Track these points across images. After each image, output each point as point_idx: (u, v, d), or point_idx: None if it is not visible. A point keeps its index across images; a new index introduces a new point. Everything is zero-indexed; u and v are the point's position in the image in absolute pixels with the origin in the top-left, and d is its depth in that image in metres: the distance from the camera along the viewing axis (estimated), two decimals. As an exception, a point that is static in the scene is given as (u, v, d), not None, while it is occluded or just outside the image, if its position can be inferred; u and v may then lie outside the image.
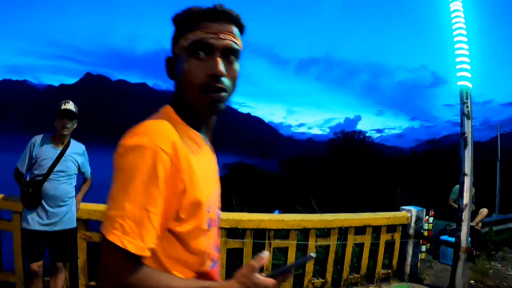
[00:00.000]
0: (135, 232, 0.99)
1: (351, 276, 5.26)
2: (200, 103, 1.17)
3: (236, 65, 1.21)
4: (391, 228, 5.50)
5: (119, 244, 0.98)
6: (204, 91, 1.14)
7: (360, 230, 5.19)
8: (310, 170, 49.82)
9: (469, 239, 6.40)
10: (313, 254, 1.28)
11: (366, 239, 5.17)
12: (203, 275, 1.22)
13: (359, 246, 5.33)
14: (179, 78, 1.20)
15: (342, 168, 36.65)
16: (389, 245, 5.58)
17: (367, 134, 52.09)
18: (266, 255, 1.14)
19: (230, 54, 1.18)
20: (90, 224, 4.26)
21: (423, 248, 7.01)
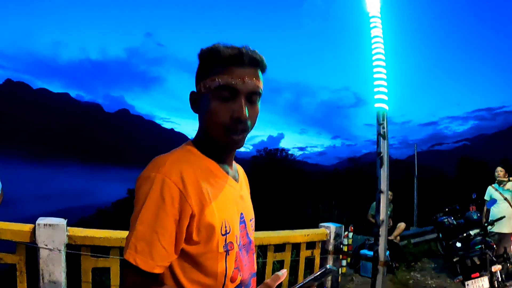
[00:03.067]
0: (146, 251, 1.14)
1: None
2: (223, 142, 1.28)
3: (257, 107, 1.31)
4: (310, 245, 5.60)
5: (132, 261, 1.14)
6: (228, 132, 1.25)
7: (280, 247, 5.24)
8: (231, 188, 48.85)
9: (388, 252, 6.66)
10: (328, 266, 1.30)
11: (286, 256, 5.22)
12: None
13: (279, 263, 5.38)
14: (204, 116, 1.30)
15: (264, 185, 36.86)
16: (310, 261, 5.68)
17: (289, 152, 52.63)
18: (282, 273, 1.22)
19: (253, 97, 1.27)
20: (0, 244, 4.01)
21: (344, 262, 7.22)
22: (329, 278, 5.79)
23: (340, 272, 6.31)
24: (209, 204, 1.23)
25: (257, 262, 5.10)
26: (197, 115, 1.36)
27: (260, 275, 5.19)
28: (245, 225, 1.41)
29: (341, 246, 6.06)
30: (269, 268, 5.07)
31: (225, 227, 1.27)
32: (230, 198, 1.34)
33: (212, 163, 1.33)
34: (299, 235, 5.37)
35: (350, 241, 7.75)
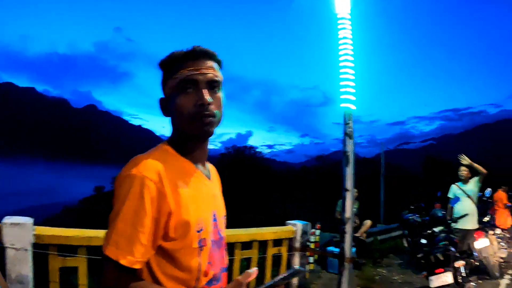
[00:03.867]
0: (126, 247, 1.19)
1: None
2: (193, 130, 1.35)
3: (220, 94, 1.41)
4: (277, 242, 5.66)
5: (113, 257, 1.19)
6: (195, 119, 1.33)
7: (247, 244, 5.28)
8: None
9: (354, 249, 6.77)
10: (296, 267, 1.36)
11: (254, 253, 5.27)
12: None
13: (246, 261, 5.42)
14: (173, 114, 1.40)
15: (232, 182, 36.78)
16: (277, 258, 5.74)
17: (258, 150, 52.69)
18: (253, 271, 1.28)
19: (213, 85, 1.38)
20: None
21: (311, 259, 7.30)
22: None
23: (307, 269, 6.38)
24: (185, 202, 1.30)
25: (225, 259, 5.11)
26: (169, 119, 1.44)
27: (228, 272, 5.22)
28: (217, 222, 1.47)
29: (308, 243, 6.14)
30: (236, 265, 5.10)
31: (199, 224, 1.34)
32: (204, 197, 1.42)
33: (187, 163, 1.40)
34: (267, 232, 5.43)
35: (318, 238, 7.82)
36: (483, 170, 7.25)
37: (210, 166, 1.60)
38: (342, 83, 5.44)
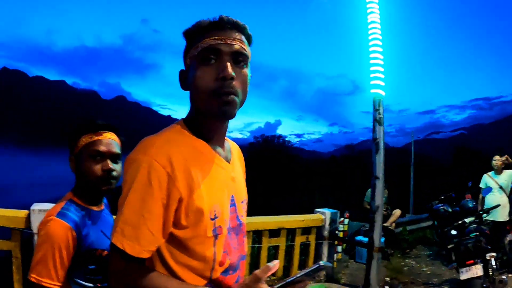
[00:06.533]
0: (133, 235, 1.12)
1: (268, 279, 5.31)
2: (211, 108, 1.21)
3: (246, 70, 1.26)
4: (306, 230, 5.61)
5: (119, 246, 1.12)
6: (214, 95, 1.19)
7: (275, 232, 5.25)
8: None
9: (383, 239, 6.66)
10: (322, 262, 1.28)
11: (281, 241, 5.24)
12: (213, 282, 1.27)
13: (274, 249, 5.39)
14: (191, 86, 1.26)
15: (261, 171, 36.84)
16: (305, 246, 5.69)
17: (286, 139, 52.52)
18: (273, 264, 1.17)
19: (239, 59, 1.23)
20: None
21: (339, 248, 7.23)
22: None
23: (335, 258, 6.31)
24: (198, 188, 1.20)
25: (252, 248, 5.10)
26: (188, 93, 1.30)
27: (255, 260, 5.20)
28: (235, 207, 1.36)
29: (337, 232, 6.07)
30: (264, 253, 5.09)
31: (214, 211, 1.24)
32: (220, 181, 1.30)
33: (202, 144, 1.28)
34: (294, 220, 5.39)
35: (346, 227, 7.74)
36: None
37: (232, 146, 1.49)
38: (372, 68, 5.34)
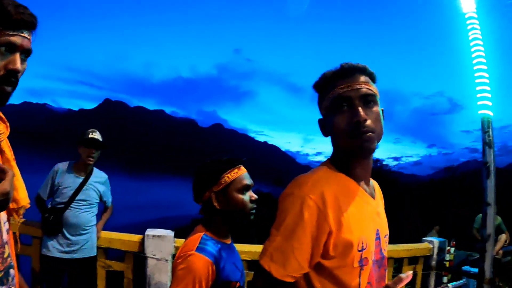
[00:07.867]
0: (280, 260, 1.26)
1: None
2: (352, 147, 1.34)
3: (376, 107, 1.38)
4: (413, 260, 5.40)
5: (266, 268, 1.27)
6: (352, 137, 1.32)
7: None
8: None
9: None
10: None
11: (388, 272, 5.06)
12: None
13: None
14: (331, 133, 1.42)
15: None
16: (412, 277, 5.45)
17: (384, 162, 51.32)
18: (406, 275, 1.21)
19: (368, 100, 1.35)
20: (110, 252, 4.21)
21: (445, 279, 6.86)
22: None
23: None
24: (347, 222, 1.30)
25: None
26: (329, 138, 1.46)
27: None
28: (380, 241, 1.46)
29: (444, 262, 5.79)
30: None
31: (362, 243, 1.33)
32: (367, 216, 1.42)
33: (350, 182, 1.40)
34: (402, 249, 5.20)
35: (452, 256, 7.34)
36: None
37: (374, 184, 1.59)
38: (478, 87, 5.09)
